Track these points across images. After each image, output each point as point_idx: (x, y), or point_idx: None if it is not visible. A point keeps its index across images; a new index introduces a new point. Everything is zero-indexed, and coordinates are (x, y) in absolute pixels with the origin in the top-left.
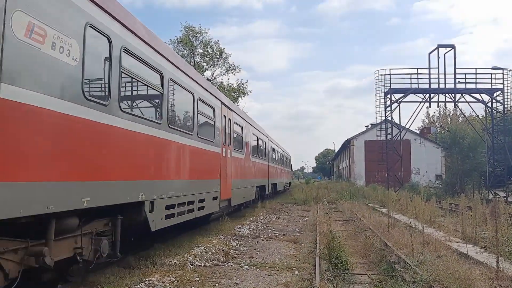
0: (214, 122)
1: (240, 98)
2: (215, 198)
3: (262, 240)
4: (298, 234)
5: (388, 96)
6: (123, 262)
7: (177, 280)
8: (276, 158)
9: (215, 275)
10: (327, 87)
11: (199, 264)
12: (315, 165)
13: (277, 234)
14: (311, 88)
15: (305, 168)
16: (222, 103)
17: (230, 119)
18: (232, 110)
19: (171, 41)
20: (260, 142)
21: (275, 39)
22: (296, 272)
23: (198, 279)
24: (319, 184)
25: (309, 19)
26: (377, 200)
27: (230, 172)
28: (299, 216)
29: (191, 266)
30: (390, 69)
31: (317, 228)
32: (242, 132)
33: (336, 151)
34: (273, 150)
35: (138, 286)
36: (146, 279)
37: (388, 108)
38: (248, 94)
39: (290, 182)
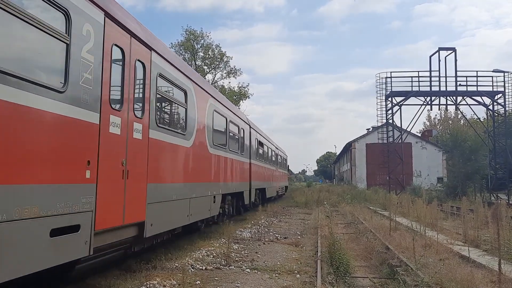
0: (69, 46)
1: (241, 101)
2: (66, 231)
3: (264, 243)
4: (299, 237)
5: (389, 99)
6: (124, 265)
7: (178, 284)
8: (265, 155)
9: (216, 278)
10: (328, 90)
11: (200, 267)
12: (316, 168)
13: (279, 237)
14: (312, 91)
15: (306, 171)
16: (109, 17)
17: (144, 65)
18: (152, 50)
19: (172, 44)
20: (234, 129)
21: (276, 42)
22: (298, 276)
23: (199, 282)
24: (320, 187)
25: (310, 22)
26: (379, 203)
27: (145, 168)
28: (300, 219)
29: (192, 270)
30: (391, 72)
31: (319, 231)
32: (186, 101)
33: (337, 154)
34: (260, 144)
35: None
36: (147, 282)
37: (389, 111)
38: (249, 98)
39: (286, 187)
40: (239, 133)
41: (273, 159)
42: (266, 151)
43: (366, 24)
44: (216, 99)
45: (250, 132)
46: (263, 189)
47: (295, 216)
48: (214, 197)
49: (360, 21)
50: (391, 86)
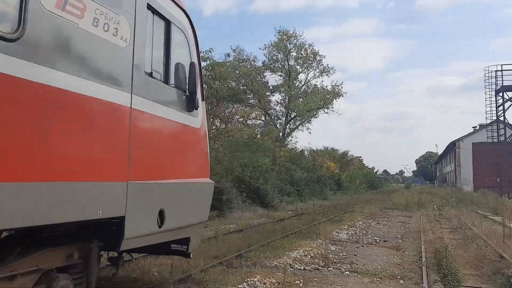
0: None
1: (334, 100)
2: None
3: (362, 246)
4: (400, 241)
5: (500, 94)
6: (225, 261)
7: (278, 283)
8: None
9: (315, 279)
10: (428, 86)
11: (299, 267)
12: (415, 168)
13: (378, 240)
14: (411, 87)
15: (404, 172)
16: None
17: None
18: None
19: (265, 46)
20: None
21: (371, 37)
22: (401, 281)
23: (298, 282)
24: (420, 189)
25: (408, 16)
26: (488, 207)
27: None
28: (400, 222)
29: (291, 269)
30: (501, 64)
31: (422, 236)
32: None
33: (439, 154)
34: None
35: (241, 285)
36: (248, 279)
37: (500, 107)
38: (343, 96)
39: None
40: None
41: None
42: None
43: (471, 15)
44: None
45: None
46: None
47: (394, 219)
48: None
49: (464, 11)
50: (502, 80)
